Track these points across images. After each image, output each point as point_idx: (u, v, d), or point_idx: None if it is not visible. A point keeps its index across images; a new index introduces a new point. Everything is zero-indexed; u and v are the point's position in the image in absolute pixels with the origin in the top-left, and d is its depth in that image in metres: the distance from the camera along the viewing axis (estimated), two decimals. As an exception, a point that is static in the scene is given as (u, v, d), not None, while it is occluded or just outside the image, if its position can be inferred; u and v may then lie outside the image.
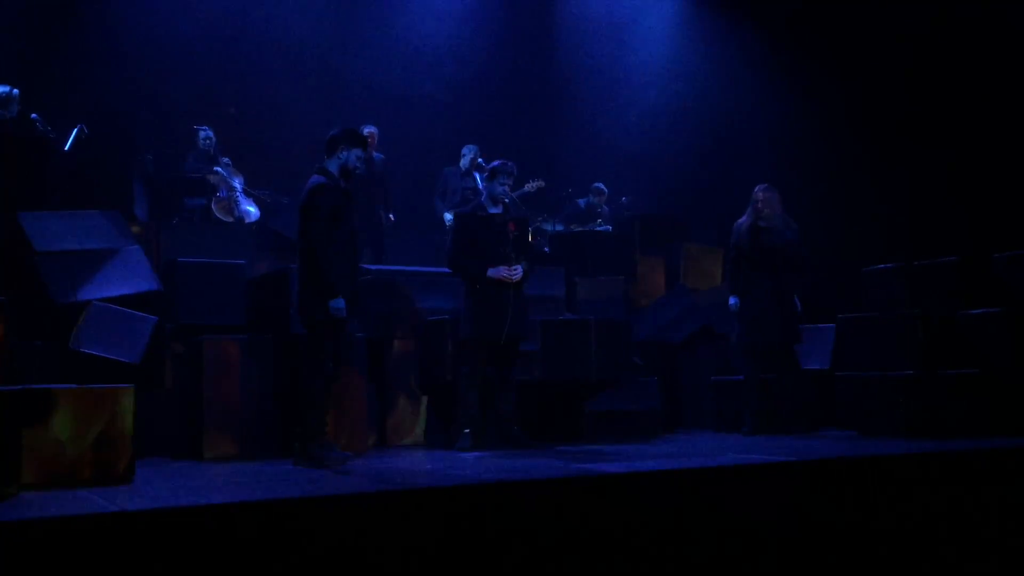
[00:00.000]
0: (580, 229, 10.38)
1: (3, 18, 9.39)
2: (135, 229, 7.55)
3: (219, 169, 9.25)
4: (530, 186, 9.74)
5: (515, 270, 6.42)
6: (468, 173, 10.14)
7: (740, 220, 7.67)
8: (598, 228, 10.46)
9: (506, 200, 6.67)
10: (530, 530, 4.08)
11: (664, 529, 4.32)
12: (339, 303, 5.48)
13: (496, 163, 6.72)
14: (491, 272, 6.39)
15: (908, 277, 7.81)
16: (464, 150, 10.26)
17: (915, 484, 5.04)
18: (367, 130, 9.87)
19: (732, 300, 7.52)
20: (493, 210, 6.61)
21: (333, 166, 5.72)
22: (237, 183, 9.34)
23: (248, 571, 3.59)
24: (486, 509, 4.09)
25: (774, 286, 7.40)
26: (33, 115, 8.26)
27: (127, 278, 6.80)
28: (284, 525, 3.71)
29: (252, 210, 9.35)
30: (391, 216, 10.01)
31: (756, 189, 7.61)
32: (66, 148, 8.40)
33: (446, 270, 6.86)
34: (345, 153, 5.71)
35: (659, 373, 7.71)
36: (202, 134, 9.57)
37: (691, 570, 4.33)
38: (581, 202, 10.81)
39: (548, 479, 4.44)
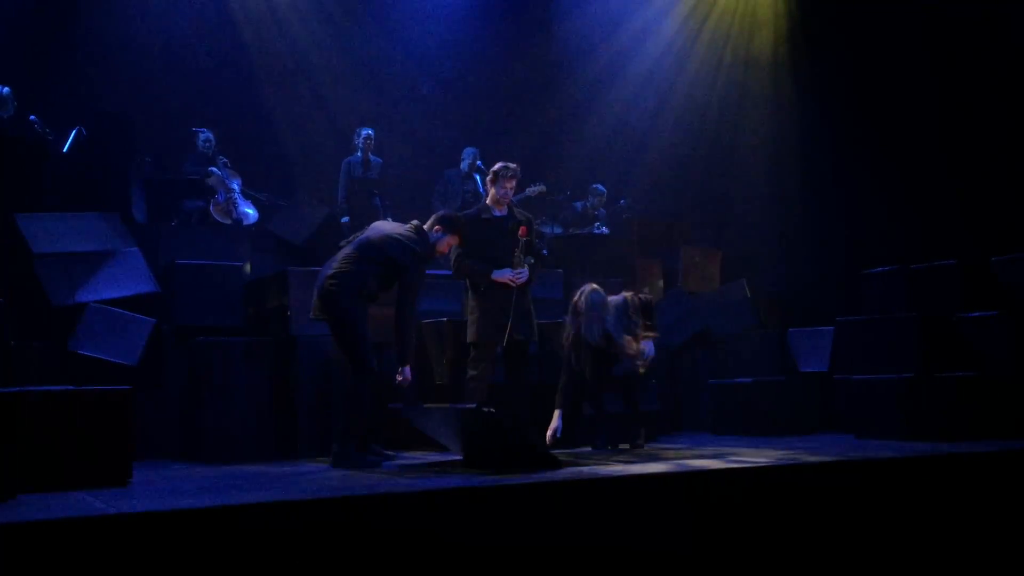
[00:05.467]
0: (578, 232, 10.37)
1: (2, 19, 9.38)
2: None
3: (215, 170, 9.20)
4: (531, 190, 9.73)
5: (520, 273, 6.35)
6: (468, 176, 10.15)
7: None
8: (596, 231, 10.45)
9: (512, 201, 6.63)
10: (530, 534, 4.08)
11: (664, 531, 4.32)
12: None
13: (499, 166, 6.60)
14: (496, 275, 6.33)
15: (907, 279, 7.81)
16: (464, 153, 10.26)
17: (913, 487, 5.04)
18: (364, 132, 9.88)
19: None
20: (498, 213, 6.54)
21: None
22: (235, 185, 9.31)
23: (246, 573, 3.58)
24: (484, 511, 4.08)
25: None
26: (32, 117, 8.26)
27: (125, 280, 6.80)
28: (282, 527, 3.70)
29: (250, 212, 9.32)
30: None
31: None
32: (64, 150, 8.40)
33: (444, 272, 6.81)
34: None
35: (658, 376, 7.69)
36: (202, 136, 9.53)
37: (690, 571, 4.33)
38: (579, 205, 10.80)
39: (547, 482, 4.43)
